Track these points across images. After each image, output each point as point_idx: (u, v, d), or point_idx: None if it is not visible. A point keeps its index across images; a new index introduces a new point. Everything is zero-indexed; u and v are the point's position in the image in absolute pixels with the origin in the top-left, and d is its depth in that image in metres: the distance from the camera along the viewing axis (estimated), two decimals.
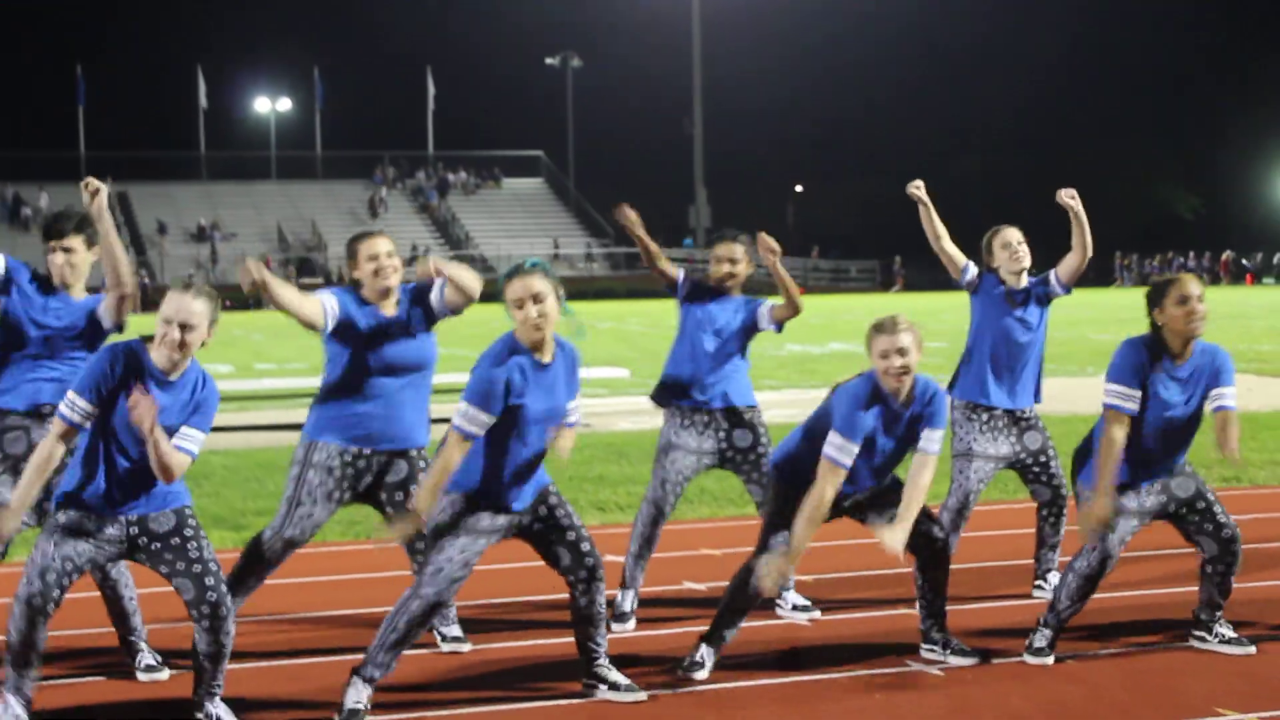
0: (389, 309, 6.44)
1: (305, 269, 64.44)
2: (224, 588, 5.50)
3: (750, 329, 7.33)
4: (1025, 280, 7.57)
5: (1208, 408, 6.36)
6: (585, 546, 5.87)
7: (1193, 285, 6.26)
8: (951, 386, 7.60)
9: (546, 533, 5.85)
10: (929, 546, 6.35)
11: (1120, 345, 6.37)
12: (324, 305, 6.33)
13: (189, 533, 5.52)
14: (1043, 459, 7.52)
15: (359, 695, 5.66)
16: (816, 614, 7.24)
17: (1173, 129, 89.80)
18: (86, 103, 73.78)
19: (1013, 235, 7.60)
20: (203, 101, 75.71)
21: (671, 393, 7.34)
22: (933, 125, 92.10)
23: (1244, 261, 71.05)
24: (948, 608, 6.51)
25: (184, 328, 5.37)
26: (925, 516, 6.35)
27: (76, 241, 6.34)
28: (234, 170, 74.56)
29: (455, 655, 6.63)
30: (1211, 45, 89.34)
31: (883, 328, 6.07)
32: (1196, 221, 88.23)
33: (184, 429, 5.42)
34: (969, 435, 7.51)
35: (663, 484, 7.25)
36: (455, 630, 6.75)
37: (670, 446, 7.27)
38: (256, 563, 6.50)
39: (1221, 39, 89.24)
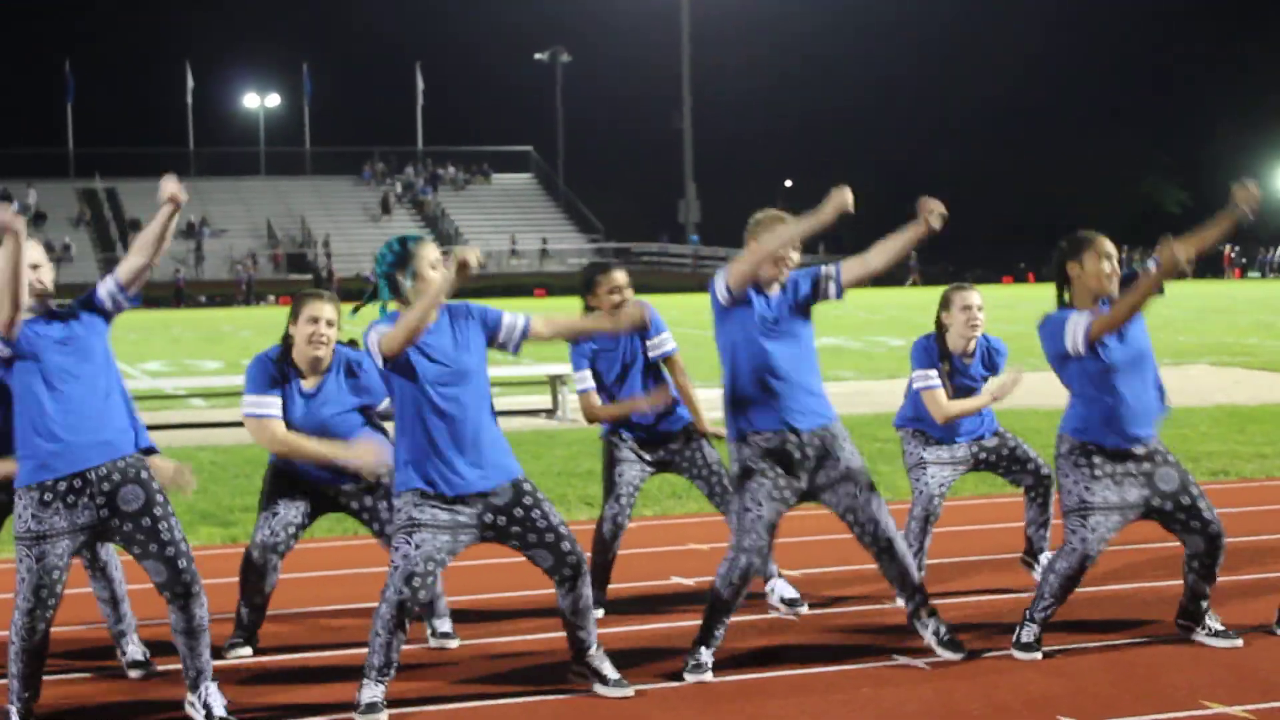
0: (310, 384, 6.55)
1: (295, 265, 64.39)
2: (194, 568, 5.53)
3: (641, 345, 7.19)
4: (974, 345, 7.49)
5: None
6: (566, 546, 5.77)
7: (1108, 245, 6.27)
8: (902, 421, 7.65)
9: (524, 534, 5.75)
10: (874, 527, 6.24)
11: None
12: (265, 420, 6.47)
13: (159, 512, 5.50)
14: (1004, 451, 7.51)
15: (374, 692, 5.66)
16: (804, 608, 7.26)
17: (1159, 122, 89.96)
18: (75, 99, 73.72)
19: (974, 298, 7.47)
20: (190, 97, 75.69)
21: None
22: (920, 119, 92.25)
23: (1240, 257, 71.16)
24: (934, 602, 6.53)
25: (34, 267, 5.42)
26: (876, 499, 6.26)
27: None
28: (223, 166, 74.55)
29: (444, 650, 6.65)
30: (1198, 38, 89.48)
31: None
32: (1184, 215, 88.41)
33: None
34: (918, 449, 7.54)
35: (617, 499, 7.24)
36: (445, 625, 6.77)
37: (617, 461, 7.25)
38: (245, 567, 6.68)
39: (1208, 32, 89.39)
